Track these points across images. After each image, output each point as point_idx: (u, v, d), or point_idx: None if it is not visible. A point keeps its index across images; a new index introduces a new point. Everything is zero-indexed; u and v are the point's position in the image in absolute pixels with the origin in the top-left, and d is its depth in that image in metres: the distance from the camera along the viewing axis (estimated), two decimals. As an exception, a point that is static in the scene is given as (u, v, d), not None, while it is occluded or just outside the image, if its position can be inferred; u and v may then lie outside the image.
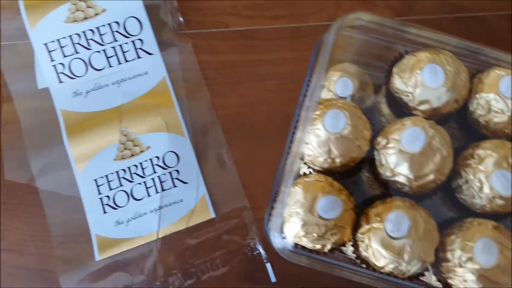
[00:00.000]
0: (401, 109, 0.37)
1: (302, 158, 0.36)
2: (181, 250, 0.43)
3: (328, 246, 0.32)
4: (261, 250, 0.43)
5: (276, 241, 0.34)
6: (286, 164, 0.36)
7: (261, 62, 0.48)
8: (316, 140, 0.34)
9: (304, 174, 0.36)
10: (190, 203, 0.44)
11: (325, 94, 0.40)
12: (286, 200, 0.33)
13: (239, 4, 0.50)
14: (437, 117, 0.36)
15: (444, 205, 0.37)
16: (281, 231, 0.34)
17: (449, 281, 0.33)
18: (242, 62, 0.48)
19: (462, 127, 0.38)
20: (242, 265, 0.43)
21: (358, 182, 0.39)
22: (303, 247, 0.34)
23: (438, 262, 0.33)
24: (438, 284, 0.34)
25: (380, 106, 0.41)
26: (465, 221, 0.33)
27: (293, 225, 0.32)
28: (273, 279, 0.43)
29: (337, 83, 0.40)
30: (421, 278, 0.33)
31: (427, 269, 0.34)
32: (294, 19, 0.49)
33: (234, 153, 0.46)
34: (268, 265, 0.43)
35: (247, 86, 0.47)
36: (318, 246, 0.33)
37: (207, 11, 0.50)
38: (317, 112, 0.34)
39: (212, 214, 0.44)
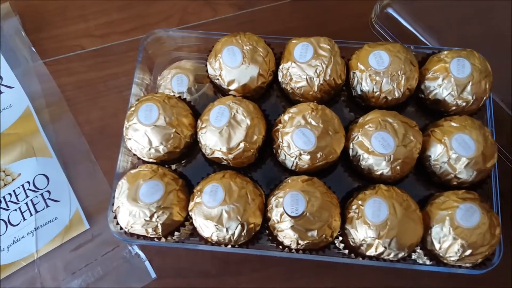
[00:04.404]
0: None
1: (135, 154, 0.38)
2: (62, 265, 0.45)
3: (160, 228, 0.35)
4: (138, 251, 0.45)
5: (116, 235, 0.36)
6: (118, 162, 0.38)
7: (117, 75, 0.51)
8: (136, 134, 0.36)
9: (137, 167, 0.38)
10: (64, 219, 0.46)
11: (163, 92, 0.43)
12: (114, 194, 0.36)
13: (92, 25, 0.53)
14: (252, 93, 0.39)
15: (279, 171, 0.40)
16: (116, 224, 0.36)
17: (278, 238, 0.35)
18: (100, 78, 0.51)
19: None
20: (122, 269, 0.45)
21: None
22: (144, 236, 0.36)
23: (267, 222, 0.36)
24: (273, 244, 0.36)
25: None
26: (284, 180, 0.36)
27: (122, 216, 0.35)
28: (153, 275, 0.44)
29: (173, 80, 0.43)
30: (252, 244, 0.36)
31: (260, 231, 0.36)
32: (143, 30, 0.52)
33: (102, 164, 0.48)
34: (147, 263, 0.45)
35: (107, 99, 0.50)
36: (150, 230, 0.35)
37: (62, 37, 0.52)
38: (132, 109, 0.37)
39: (86, 226, 0.46)
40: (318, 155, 0.35)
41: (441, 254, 0.35)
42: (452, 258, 0.34)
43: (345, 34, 0.45)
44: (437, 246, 0.35)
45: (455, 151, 0.35)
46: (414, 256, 0.38)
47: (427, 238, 0.35)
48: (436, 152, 0.36)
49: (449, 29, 0.47)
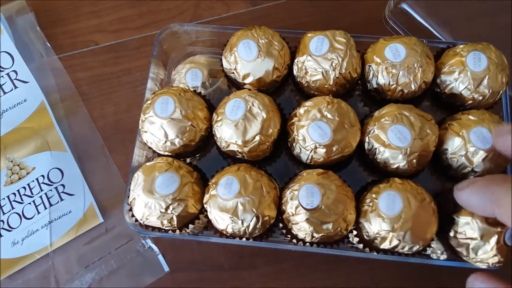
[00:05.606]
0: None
1: (150, 147, 0.38)
2: (76, 258, 0.45)
3: (175, 220, 0.35)
4: (152, 245, 0.45)
5: (131, 226, 0.37)
6: (134, 155, 0.39)
7: (130, 70, 0.51)
8: (152, 127, 0.36)
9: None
10: (78, 213, 0.46)
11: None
12: (130, 186, 0.36)
13: (105, 21, 0.53)
14: (267, 87, 0.39)
15: (293, 164, 0.40)
16: (132, 216, 0.36)
17: (292, 231, 0.35)
18: (113, 73, 0.51)
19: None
20: (136, 262, 0.45)
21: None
22: (159, 229, 0.36)
23: (281, 215, 0.36)
24: (288, 237, 0.36)
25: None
26: (299, 173, 0.36)
27: (138, 207, 0.35)
28: (166, 268, 0.45)
29: (187, 75, 0.44)
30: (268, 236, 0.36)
31: (274, 225, 0.36)
32: (156, 26, 0.52)
33: (116, 158, 0.48)
34: (160, 257, 0.45)
35: (120, 94, 0.50)
36: (165, 222, 0.35)
37: (76, 33, 0.53)
38: (148, 102, 0.37)
39: (100, 219, 0.46)
40: (334, 149, 0.35)
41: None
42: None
43: (357, 29, 0.45)
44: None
45: (473, 144, 0.34)
46: (428, 251, 0.38)
47: None
48: (454, 145, 0.35)
49: (463, 24, 0.47)
